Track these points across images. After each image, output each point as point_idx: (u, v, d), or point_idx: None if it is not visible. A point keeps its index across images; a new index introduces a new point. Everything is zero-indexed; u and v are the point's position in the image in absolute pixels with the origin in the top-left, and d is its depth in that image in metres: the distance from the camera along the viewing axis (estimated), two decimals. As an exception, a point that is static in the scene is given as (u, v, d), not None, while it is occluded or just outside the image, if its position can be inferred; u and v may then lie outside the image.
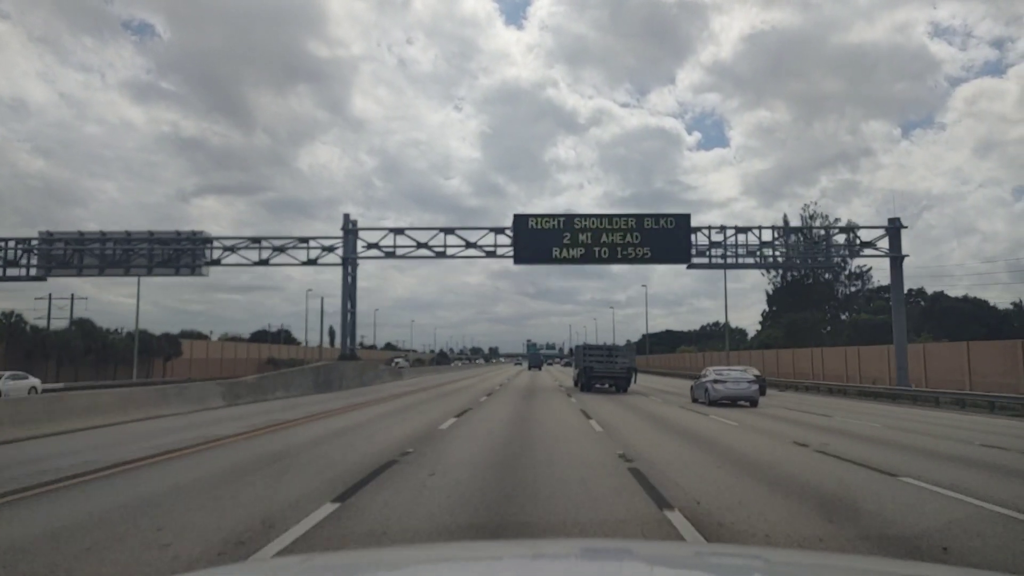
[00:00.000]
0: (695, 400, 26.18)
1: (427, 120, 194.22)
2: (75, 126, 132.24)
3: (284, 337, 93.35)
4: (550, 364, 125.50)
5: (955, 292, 71.01)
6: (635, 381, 35.71)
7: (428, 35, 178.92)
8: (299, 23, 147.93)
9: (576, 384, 36.86)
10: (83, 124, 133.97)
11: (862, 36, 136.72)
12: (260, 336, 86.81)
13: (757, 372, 32.92)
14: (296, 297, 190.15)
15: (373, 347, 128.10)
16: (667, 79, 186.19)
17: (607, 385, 34.18)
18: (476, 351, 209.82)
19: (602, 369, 33.91)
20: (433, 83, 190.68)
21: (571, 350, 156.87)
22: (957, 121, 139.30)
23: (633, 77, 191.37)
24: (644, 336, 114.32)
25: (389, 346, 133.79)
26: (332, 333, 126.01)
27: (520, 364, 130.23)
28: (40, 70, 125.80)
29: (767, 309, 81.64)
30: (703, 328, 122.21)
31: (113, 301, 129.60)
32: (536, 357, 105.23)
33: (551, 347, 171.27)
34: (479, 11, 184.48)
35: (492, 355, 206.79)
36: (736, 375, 25.82)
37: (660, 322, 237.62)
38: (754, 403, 24.67)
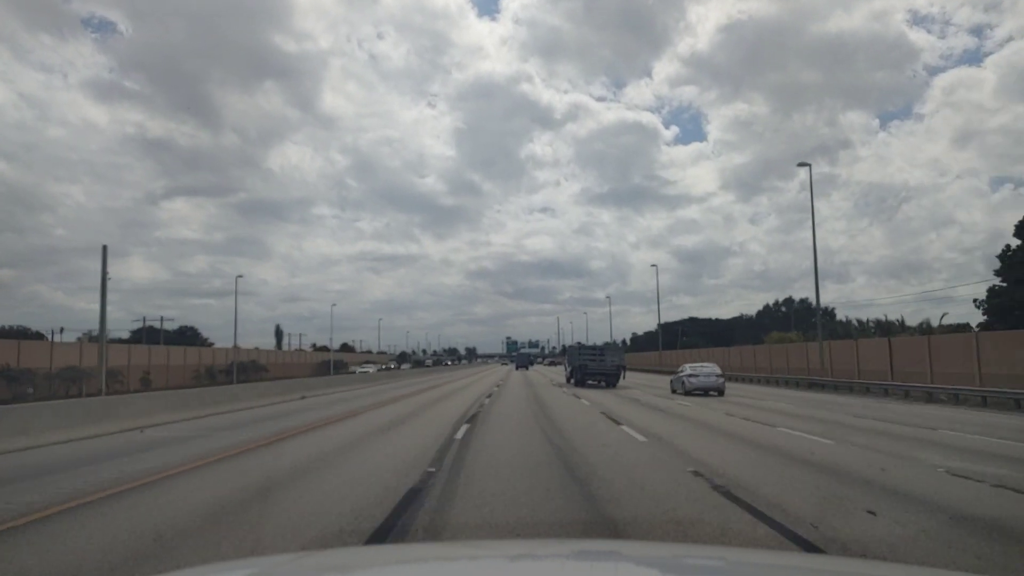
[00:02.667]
0: (673, 391, 30.47)
1: (400, 117, 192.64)
2: (37, 128, 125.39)
3: (189, 337, 77.13)
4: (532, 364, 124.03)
5: None
6: (624, 377, 38.84)
7: (399, 29, 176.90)
8: (264, 16, 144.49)
9: (569, 380, 40.36)
10: (45, 126, 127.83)
11: (840, 25, 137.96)
12: (146, 336, 69.72)
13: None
14: (271, 301, 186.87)
15: (325, 348, 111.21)
16: (643, 72, 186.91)
17: (600, 382, 37.28)
18: (452, 351, 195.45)
19: (595, 367, 37.35)
20: (405, 79, 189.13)
21: (554, 349, 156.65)
22: (935, 111, 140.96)
23: (609, 70, 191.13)
24: (661, 326, 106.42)
25: (345, 347, 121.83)
26: (279, 333, 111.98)
27: (506, 364, 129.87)
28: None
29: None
30: (770, 307, 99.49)
31: (83, 308, 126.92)
32: (524, 357, 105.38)
33: (534, 344, 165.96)
34: (451, 3, 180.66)
35: (469, 356, 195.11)
36: (707, 370, 30.48)
37: (639, 320, 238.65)
38: (720, 392, 29.03)
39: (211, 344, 78.81)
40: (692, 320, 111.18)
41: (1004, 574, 5.02)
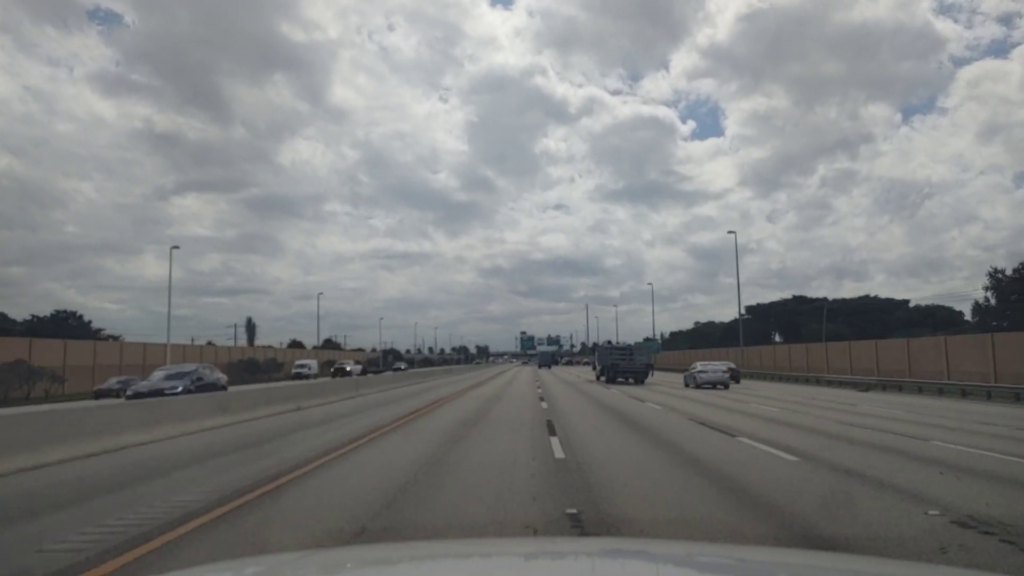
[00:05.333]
0: (686, 385, 34.60)
1: (412, 111, 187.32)
2: (44, 122, 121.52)
3: (73, 326, 61.52)
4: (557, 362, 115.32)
5: None
6: (652, 375, 41.70)
7: (409, 19, 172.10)
8: (271, 3, 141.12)
9: (599, 379, 42.20)
10: (53, 120, 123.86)
11: (864, 13, 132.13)
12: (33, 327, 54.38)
13: (732, 364, 41.16)
14: (284, 299, 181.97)
15: (300, 345, 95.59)
16: (660, 64, 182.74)
17: (628, 379, 39.54)
18: (461, 350, 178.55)
19: (625, 366, 40.06)
20: (417, 71, 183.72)
21: (573, 348, 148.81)
22: (959, 105, 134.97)
23: (625, 62, 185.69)
24: (745, 313, 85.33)
25: (329, 343, 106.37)
26: (252, 327, 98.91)
27: (527, 363, 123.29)
28: (2, 62, 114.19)
29: None
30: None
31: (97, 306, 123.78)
32: (547, 355, 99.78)
33: (553, 341, 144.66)
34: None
35: (479, 355, 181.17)
36: (715, 367, 35.32)
37: (656, 319, 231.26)
38: (726, 386, 33.36)
39: (105, 337, 60.38)
40: (799, 300, 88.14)
41: (1005, 574, 4.80)
